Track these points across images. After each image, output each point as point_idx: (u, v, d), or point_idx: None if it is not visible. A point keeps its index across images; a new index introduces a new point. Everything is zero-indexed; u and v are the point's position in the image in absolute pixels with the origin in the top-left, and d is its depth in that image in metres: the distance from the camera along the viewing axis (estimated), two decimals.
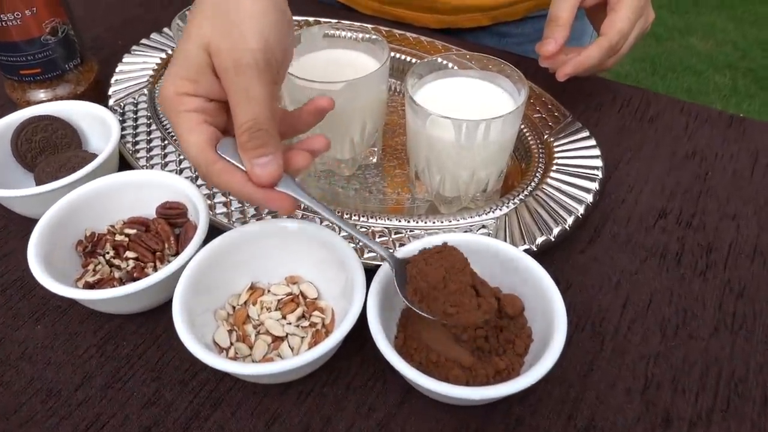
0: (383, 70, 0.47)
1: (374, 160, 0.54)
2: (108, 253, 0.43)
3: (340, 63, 0.50)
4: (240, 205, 0.46)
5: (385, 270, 0.38)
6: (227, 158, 0.35)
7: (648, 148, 0.55)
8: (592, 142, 0.51)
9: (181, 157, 0.51)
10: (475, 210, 0.46)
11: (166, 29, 0.63)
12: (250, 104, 0.33)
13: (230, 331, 0.39)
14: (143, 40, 0.62)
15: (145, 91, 0.57)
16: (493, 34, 0.74)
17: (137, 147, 0.52)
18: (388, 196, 0.51)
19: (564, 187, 0.47)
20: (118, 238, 0.44)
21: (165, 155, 0.51)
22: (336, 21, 0.64)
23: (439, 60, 0.49)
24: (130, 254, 0.43)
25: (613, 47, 0.51)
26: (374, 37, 0.50)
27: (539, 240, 0.43)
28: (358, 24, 0.64)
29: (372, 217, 0.46)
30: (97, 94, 0.58)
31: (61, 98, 0.56)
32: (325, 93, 0.46)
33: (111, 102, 0.56)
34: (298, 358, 0.34)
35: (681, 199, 0.50)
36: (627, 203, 0.50)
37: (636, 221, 0.49)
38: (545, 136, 0.52)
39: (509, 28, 0.73)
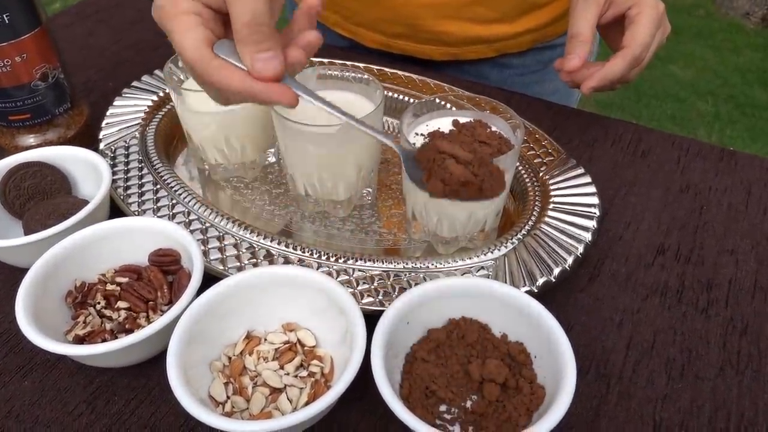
0: (378, 112, 0.47)
1: (370, 200, 0.53)
2: (99, 303, 0.42)
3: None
4: (235, 250, 0.46)
5: (388, 317, 0.37)
6: (225, 58, 0.35)
7: (642, 183, 0.55)
8: (588, 179, 0.51)
9: (174, 201, 0.50)
10: (474, 251, 0.45)
11: (157, 71, 0.63)
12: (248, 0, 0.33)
13: (226, 384, 0.38)
14: (134, 83, 0.62)
15: (137, 134, 0.56)
16: (495, 65, 0.74)
17: (129, 192, 0.51)
18: (385, 237, 0.50)
19: (562, 226, 0.47)
20: (110, 287, 0.43)
21: (157, 200, 0.50)
22: (328, 61, 0.65)
23: (436, 100, 0.49)
24: (122, 304, 0.42)
25: (636, 58, 0.52)
26: (366, 77, 0.50)
27: (540, 281, 0.43)
28: (351, 63, 0.64)
29: (369, 260, 0.45)
30: (88, 137, 0.57)
31: (51, 143, 0.55)
32: (319, 136, 0.46)
33: (102, 146, 0.55)
34: (295, 415, 0.33)
35: (678, 234, 0.50)
36: (625, 240, 0.50)
37: (635, 258, 0.48)
38: (540, 174, 0.52)
39: (511, 59, 0.73)
